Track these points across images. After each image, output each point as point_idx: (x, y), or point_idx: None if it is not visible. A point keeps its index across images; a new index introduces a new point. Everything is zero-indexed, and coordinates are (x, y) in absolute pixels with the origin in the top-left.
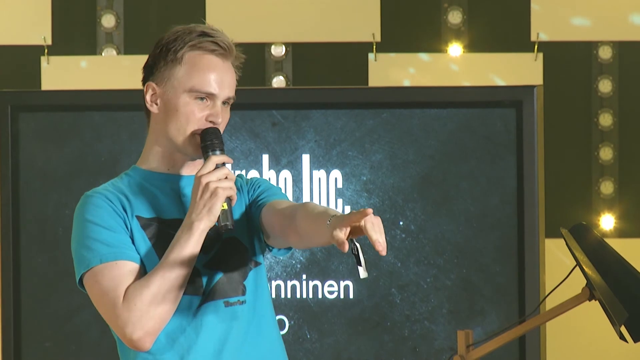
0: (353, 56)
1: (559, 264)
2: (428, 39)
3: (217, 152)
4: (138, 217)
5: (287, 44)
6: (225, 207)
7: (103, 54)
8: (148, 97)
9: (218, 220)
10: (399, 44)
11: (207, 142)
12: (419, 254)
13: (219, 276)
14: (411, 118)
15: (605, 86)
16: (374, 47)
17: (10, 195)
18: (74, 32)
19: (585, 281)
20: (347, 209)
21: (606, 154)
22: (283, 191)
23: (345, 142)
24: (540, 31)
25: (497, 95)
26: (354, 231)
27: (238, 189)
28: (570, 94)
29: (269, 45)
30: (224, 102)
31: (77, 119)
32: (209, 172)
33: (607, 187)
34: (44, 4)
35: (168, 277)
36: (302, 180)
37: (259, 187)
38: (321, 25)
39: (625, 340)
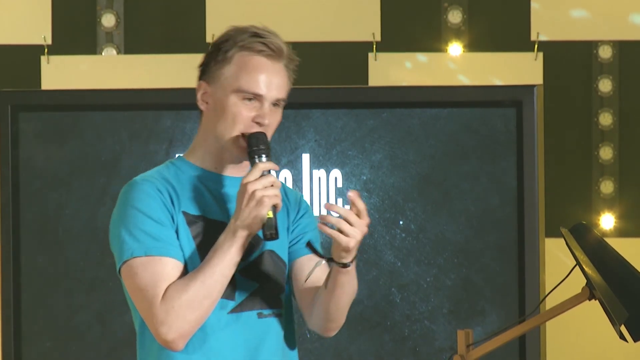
0: (353, 56)
1: (559, 264)
2: (428, 38)
3: (264, 158)
4: (184, 213)
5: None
6: (271, 215)
7: (103, 53)
8: (199, 96)
9: (262, 229)
10: (399, 43)
11: (253, 147)
12: (419, 253)
13: (255, 287)
14: (411, 118)
15: (605, 86)
16: (374, 46)
17: (10, 195)
18: (74, 32)
19: (585, 281)
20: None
21: (606, 153)
22: None
23: (346, 142)
24: (540, 31)
25: (497, 95)
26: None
27: (282, 199)
28: (570, 94)
29: None
30: (273, 104)
31: (77, 119)
32: (255, 180)
33: (607, 187)
34: (44, 3)
35: (207, 283)
36: (302, 179)
37: (304, 214)
38: (321, 24)
39: (625, 340)
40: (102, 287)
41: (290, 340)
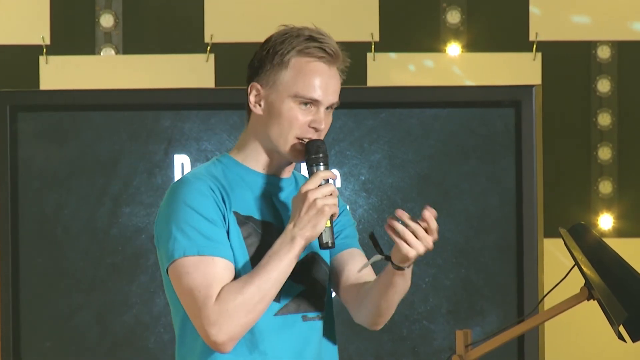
0: (352, 56)
1: (558, 264)
2: (427, 38)
3: (322, 167)
4: (235, 213)
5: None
6: (329, 224)
7: (102, 53)
8: (252, 98)
9: (320, 238)
10: (397, 43)
11: (312, 155)
12: None
13: (300, 289)
14: (410, 118)
15: (604, 86)
16: (373, 46)
17: (9, 195)
18: (72, 32)
19: (583, 281)
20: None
21: (605, 153)
22: None
23: (344, 142)
24: (539, 31)
25: (495, 95)
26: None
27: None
28: (569, 94)
29: None
30: (327, 108)
31: (75, 119)
32: (316, 189)
33: (605, 187)
34: (42, 3)
35: (263, 288)
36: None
37: (341, 213)
38: (319, 24)
39: (624, 340)
40: (101, 287)
41: (332, 342)
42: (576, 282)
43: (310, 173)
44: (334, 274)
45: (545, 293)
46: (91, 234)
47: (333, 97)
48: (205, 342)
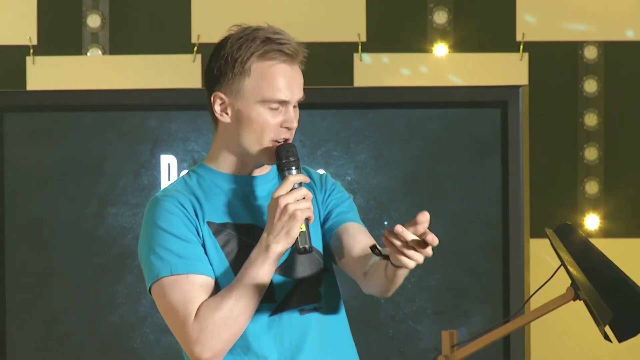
0: (339, 56)
1: (544, 264)
2: (414, 39)
3: (293, 171)
4: (209, 223)
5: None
6: (304, 228)
7: (88, 54)
8: (217, 108)
9: (296, 243)
10: (384, 44)
11: (282, 160)
12: None
13: (293, 284)
14: (396, 118)
15: (590, 86)
16: (360, 47)
17: None
18: (59, 32)
19: (570, 281)
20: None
21: (591, 154)
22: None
23: (331, 142)
24: (526, 31)
25: (482, 96)
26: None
27: (317, 187)
28: (555, 94)
29: None
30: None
31: (62, 119)
32: (287, 193)
33: (592, 187)
34: (29, 4)
35: (242, 301)
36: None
37: (332, 191)
38: (306, 25)
39: (610, 340)
40: (88, 287)
41: (336, 331)
42: (562, 282)
43: (282, 178)
44: (336, 251)
45: (531, 293)
46: (78, 234)
47: (299, 94)
48: None
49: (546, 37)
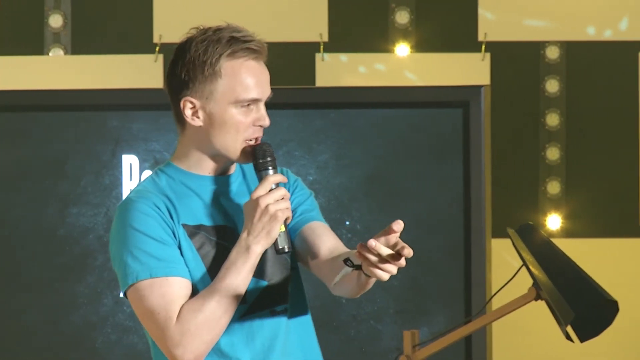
0: (300, 56)
1: (506, 264)
2: (375, 39)
3: (271, 171)
4: (184, 225)
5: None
6: (283, 229)
7: (50, 54)
8: (188, 112)
9: (275, 243)
10: (346, 44)
11: (259, 160)
12: None
13: (264, 284)
14: (358, 118)
15: (552, 86)
16: (322, 47)
17: None
18: (21, 32)
19: (531, 281)
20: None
21: (553, 154)
22: None
23: (292, 142)
24: (488, 31)
25: (444, 96)
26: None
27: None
28: (517, 94)
29: None
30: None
31: (24, 119)
32: (267, 194)
33: (553, 187)
34: None
35: (223, 303)
36: None
37: (295, 188)
38: (268, 25)
39: (572, 340)
40: (49, 287)
41: (303, 331)
42: (524, 282)
43: (260, 178)
44: (302, 252)
45: (493, 293)
46: (39, 234)
47: (268, 90)
48: None
49: (508, 37)
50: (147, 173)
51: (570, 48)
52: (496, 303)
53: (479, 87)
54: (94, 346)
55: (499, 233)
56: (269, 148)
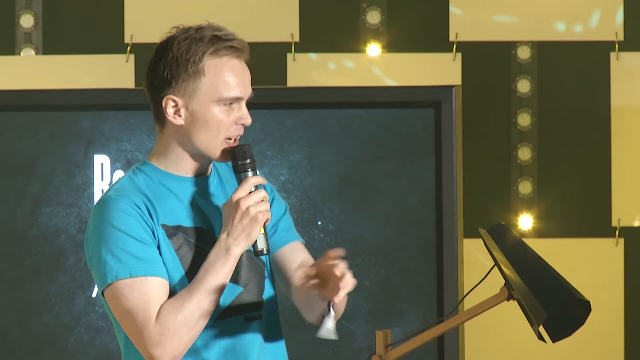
0: (271, 56)
1: (478, 264)
2: (347, 39)
3: (250, 173)
4: (163, 225)
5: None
6: (262, 231)
7: (21, 54)
8: (170, 111)
9: (254, 245)
10: (317, 44)
11: (239, 161)
12: None
13: (239, 290)
14: (330, 118)
15: (524, 86)
16: (293, 47)
17: None
18: None
19: (503, 281)
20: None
21: (525, 154)
22: None
23: (264, 142)
24: (459, 31)
25: (415, 96)
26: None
27: None
28: (489, 94)
29: None
30: None
31: None
32: (247, 196)
33: (525, 187)
34: None
35: (202, 304)
36: None
37: (272, 200)
38: (239, 25)
39: (544, 341)
40: (20, 287)
41: (276, 338)
42: (496, 282)
43: (239, 180)
44: (280, 274)
45: (465, 293)
46: (10, 234)
47: (250, 89)
48: None
49: (479, 38)
50: (119, 173)
51: (541, 48)
52: (468, 303)
53: (450, 87)
54: (67, 346)
55: (471, 233)
56: (249, 149)
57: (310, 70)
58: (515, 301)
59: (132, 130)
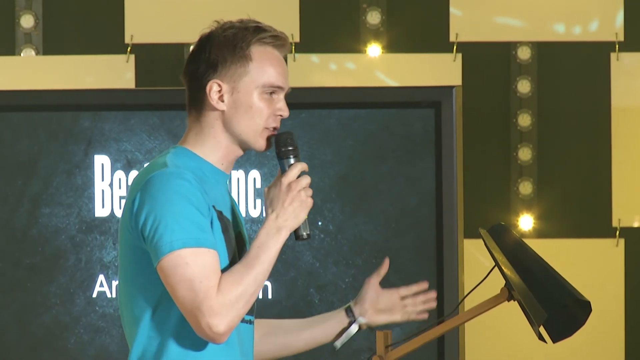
0: None
1: (478, 265)
2: (347, 39)
3: (293, 159)
4: (213, 207)
5: None
6: (305, 216)
7: (22, 54)
8: (214, 96)
9: (298, 229)
10: (318, 44)
11: (282, 148)
12: (337, 254)
13: None
14: (329, 118)
15: (524, 87)
16: (293, 47)
17: None
18: None
19: (504, 282)
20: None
21: (525, 154)
22: None
23: None
24: (459, 32)
25: (416, 96)
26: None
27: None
28: (489, 95)
29: (188, 45)
30: None
31: None
32: (297, 180)
33: (525, 188)
34: None
35: (258, 279)
36: None
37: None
38: None
39: (544, 341)
40: (20, 287)
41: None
42: (496, 282)
43: (283, 166)
44: None
45: (465, 294)
46: (10, 234)
47: (288, 84)
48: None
49: (479, 38)
50: (119, 173)
51: (541, 48)
52: (468, 304)
53: (450, 87)
54: (66, 347)
55: (471, 233)
56: (291, 137)
57: (310, 71)
58: (516, 302)
59: (132, 130)
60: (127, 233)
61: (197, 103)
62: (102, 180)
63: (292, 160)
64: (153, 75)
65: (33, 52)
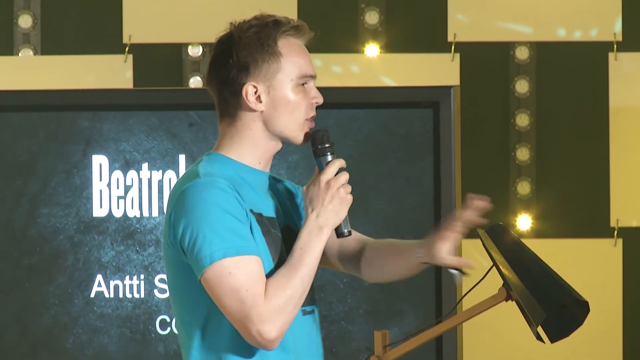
0: None
1: (476, 265)
2: (345, 39)
3: (330, 156)
4: (251, 211)
5: (204, 45)
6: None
7: (20, 54)
8: (252, 98)
9: (339, 226)
10: (316, 44)
11: (318, 145)
12: None
13: None
14: (328, 119)
15: (522, 87)
16: None
17: None
18: None
19: (502, 282)
20: None
21: (523, 154)
22: None
23: None
24: (457, 32)
25: (414, 96)
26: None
27: (294, 193)
28: (487, 95)
29: (186, 45)
30: None
31: None
32: (336, 177)
33: (523, 188)
34: None
35: (305, 281)
36: None
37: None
38: None
39: (542, 341)
40: (19, 287)
41: (319, 335)
42: (494, 283)
43: (320, 163)
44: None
45: (463, 294)
46: (9, 234)
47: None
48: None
49: (478, 38)
50: (118, 173)
51: (540, 49)
52: (466, 304)
53: (448, 87)
54: (65, 346)
55: (469, 233)
56: (327, 134)
57: None
58: (514, 302)
59: (131, 130)
60: (169, 248)
61: (231, 108)
62: (100, 180)
63: (329, 157)
64: (151, 75)
65: (31, 52)
